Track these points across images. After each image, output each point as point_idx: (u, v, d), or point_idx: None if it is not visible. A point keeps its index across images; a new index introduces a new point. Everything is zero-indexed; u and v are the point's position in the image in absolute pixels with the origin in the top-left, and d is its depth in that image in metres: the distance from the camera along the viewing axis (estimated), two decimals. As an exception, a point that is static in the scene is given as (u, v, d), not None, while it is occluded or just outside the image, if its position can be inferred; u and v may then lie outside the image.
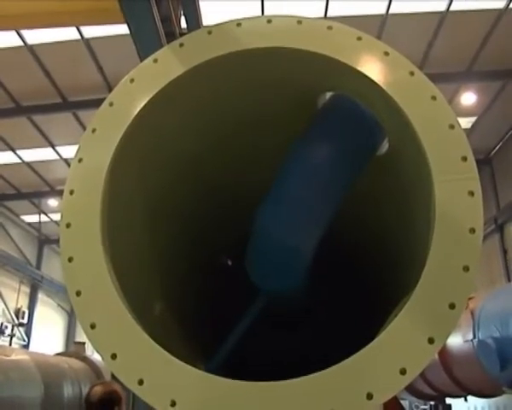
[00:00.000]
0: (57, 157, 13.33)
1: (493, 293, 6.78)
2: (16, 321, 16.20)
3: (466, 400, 8.70)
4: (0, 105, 10.94)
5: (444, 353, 6.98)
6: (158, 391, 1.45)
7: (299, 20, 1.86)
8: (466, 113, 11.60)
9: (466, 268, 1.48)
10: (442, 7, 9.01)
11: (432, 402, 9.92)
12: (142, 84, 1.86)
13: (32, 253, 18.42)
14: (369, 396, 1.36)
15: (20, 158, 13.37)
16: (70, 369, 8.20)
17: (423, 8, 9.03)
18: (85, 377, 8.40)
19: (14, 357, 6.74)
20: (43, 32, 8.80)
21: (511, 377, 5.65)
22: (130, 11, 3.39)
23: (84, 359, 9.17)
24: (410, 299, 1.47)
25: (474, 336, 6.29)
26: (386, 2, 8.86)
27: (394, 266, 2.31)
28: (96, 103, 2.10)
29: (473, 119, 12.08)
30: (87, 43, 9.56)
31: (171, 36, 3.66)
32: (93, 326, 1.54)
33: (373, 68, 1.78)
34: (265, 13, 8.95)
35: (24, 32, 9.16)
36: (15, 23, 5.12)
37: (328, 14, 8.98)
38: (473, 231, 1.52)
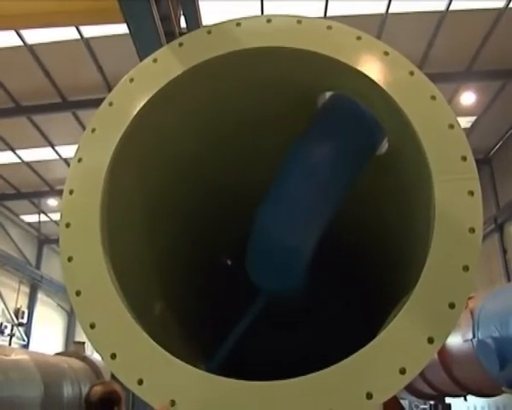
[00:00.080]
0: (57, 157, 13.32)
1: (493, 293, 6.77)
2: (16, 321, 16.19)
3: (465, 399, 8.70)
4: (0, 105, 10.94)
5: (443, 352, 6.98)
6: (158, 391, 1.45)
7: (299, 20, 1.86)
8: (465, 112, 11.60)
9: (466, 268, 1.48)
10: (442, 6, 9.00)
11: (431, 402, 9.93)
12: (142, 83, 1.86)
13: (31, 253, 18.41)
14: (369, 396, 1.36)
15: (20, 158, 13.37)
16: (70, 369, 8.19)
17: (423, 7, 9.03)
18: (85, 376, 8.40)
19: (13, 357, 6.73)
20: (42, 32, 8.80)
21: (510, 376, 5.65)
22: (129, 11, 3.39)
23: (84, 358, 9.17)
24: (410, 299, 1.47)
25: (474, 336, 6.29)
26: (386, 2, 8.85)
27: (394, 266, 2.31)
28: (96, 103, 2.10)
29: (472, 118, 12.08)
30: (87, 42, 9.55)
31: (171, 35, 3.66)
32: (93, 326, 1.54)
33: (373, 68, 1.78)
34: (265, 12, 8.94)
35: (23, 32, 9.16)
36: (15, 23, 5.12)
37: (328, 14, 8.98)
38: (472, 230, 1.52)
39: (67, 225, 1.68)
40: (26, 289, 17.80)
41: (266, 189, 1.96)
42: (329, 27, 1.85)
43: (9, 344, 15.00)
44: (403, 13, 9.13)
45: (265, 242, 1.99)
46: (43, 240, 19.06)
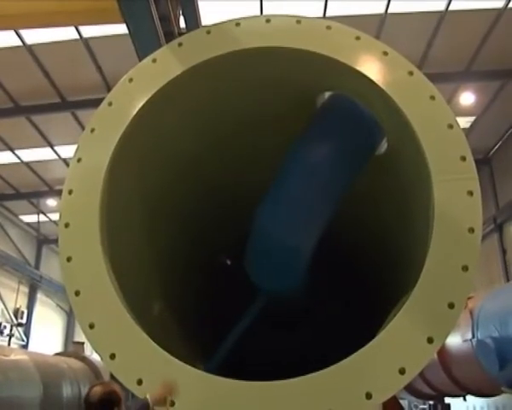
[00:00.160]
0: (56, 157, 13.29)
1: (492, 293, 6.76)
2: (15, 321, 16.16)
3: (465, 399, 8.69)
4: (-1, 105, 10.93)
5: (443, 352, 6.97)
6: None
7: (298, 20, 1.86)
8: (465, 112, 11.58)
9: (465, 268, 1.48)
10: (441, 6, 8.99)
11: (431, 402, 9.91)
12: (141, 83, 1.86)
13: (30, 253, 18.37)
14: (369, 396, 1.36)
15: (19, 158, 13.34)
16: (69, 369, 8.18)
17: (422, 7, 9.02)
18: (84, 377, 8.39)
19: (13, 357, 6.72)
20: (41, 32, 8.78)
21: (510, 376, 5.64)
22: (128, 11, 3.38)
23: (83, 359, 9.15)
24: (410, 299, 1.47)
25: (473, 336, 6.28)
26: (385, 2, 8.84)
27: (394, 266, 2.32)
28: (95, 103, 2.10)
29: (472, 118, 12.06)
30: (86, 42, 9.53)
31: (170, 36, 3.65)
32: (92, 326, 1.54)
33: (372, 68, 1.78)
34: (264, 12, 8.94)
35: (22, 32, 9.14)
36: (14, 23, 5.11)
37: (327, 14, 8.97)
38: (472, 230, 1.52)
39: (67, 225, 1.68)
40: (25, 290, 17.77)
41: (265, 189, 1.96)
42: (329, 27, 1.85)
43: (9, 344, 14.97)
44: (402, 13, 9.11)
45: (265, 242, 1.99)
46: (43, 240, 19.03)
